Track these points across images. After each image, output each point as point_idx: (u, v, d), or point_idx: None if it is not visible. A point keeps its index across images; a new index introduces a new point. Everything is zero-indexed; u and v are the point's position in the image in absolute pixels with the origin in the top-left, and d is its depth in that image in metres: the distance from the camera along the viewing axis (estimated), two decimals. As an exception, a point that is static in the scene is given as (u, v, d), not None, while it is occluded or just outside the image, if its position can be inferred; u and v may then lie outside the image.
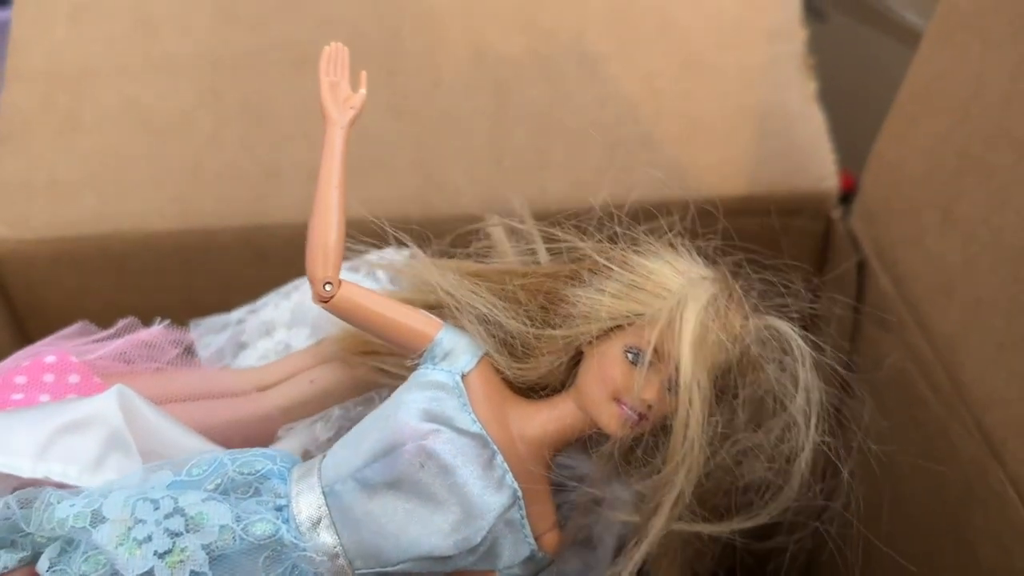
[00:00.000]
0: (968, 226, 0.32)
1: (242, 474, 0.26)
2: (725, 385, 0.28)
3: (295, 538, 0.25)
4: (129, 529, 0.24)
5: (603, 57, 0.42)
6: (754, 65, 0.42)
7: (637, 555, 0.27)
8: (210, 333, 0.36)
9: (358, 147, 0.42)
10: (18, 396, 0.28)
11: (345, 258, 0.28)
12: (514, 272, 0.30)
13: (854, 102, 0.76)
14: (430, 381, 0.27)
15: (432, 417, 0.26)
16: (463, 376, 0.27)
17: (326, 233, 0.27)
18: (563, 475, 0.28)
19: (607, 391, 0.27)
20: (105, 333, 0.31)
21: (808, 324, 0.45)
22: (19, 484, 0.26)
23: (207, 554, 0.24)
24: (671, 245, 0.29)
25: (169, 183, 0.42)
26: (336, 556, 0.26)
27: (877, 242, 0.38)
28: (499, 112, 0.43)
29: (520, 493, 0.26)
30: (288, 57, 0.43)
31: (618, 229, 0.30)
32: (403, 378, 0.28)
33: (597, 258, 0.28)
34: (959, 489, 0.32)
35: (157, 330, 0.32)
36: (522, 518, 0.26)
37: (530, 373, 0.28)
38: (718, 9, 0.42)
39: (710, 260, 0.31)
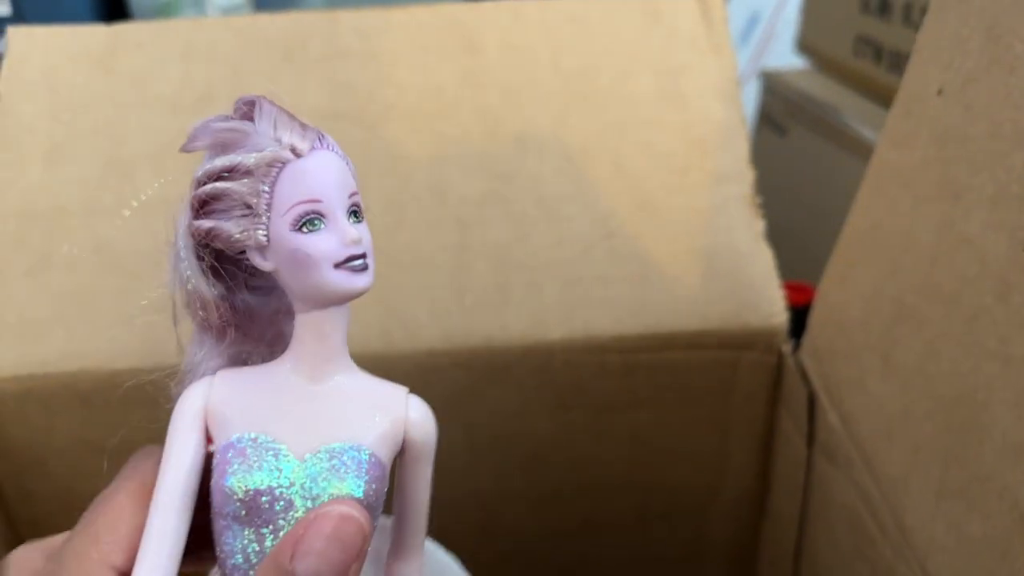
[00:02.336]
0: (905, 373, 0.34)
1: None
2: None
3: None
4: None
5: (560, 199, 0.44)
6: (704, 207, 0.44)
7: None
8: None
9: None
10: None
11: None
12: None
13: (812, 213, 0.79)
14: None
15: None
16: None
17: None
18: None
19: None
20: None
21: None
22: None
23: None
24: None
25: (137, 321, 0.43)
26: None
27: (825, 379, 0.39)
28: (461, 250, 0.44)
29: None
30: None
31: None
32: None
33: None
34: (908, 633, 0.33)
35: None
36: None
37: None
38: (668, 153, 0.45)
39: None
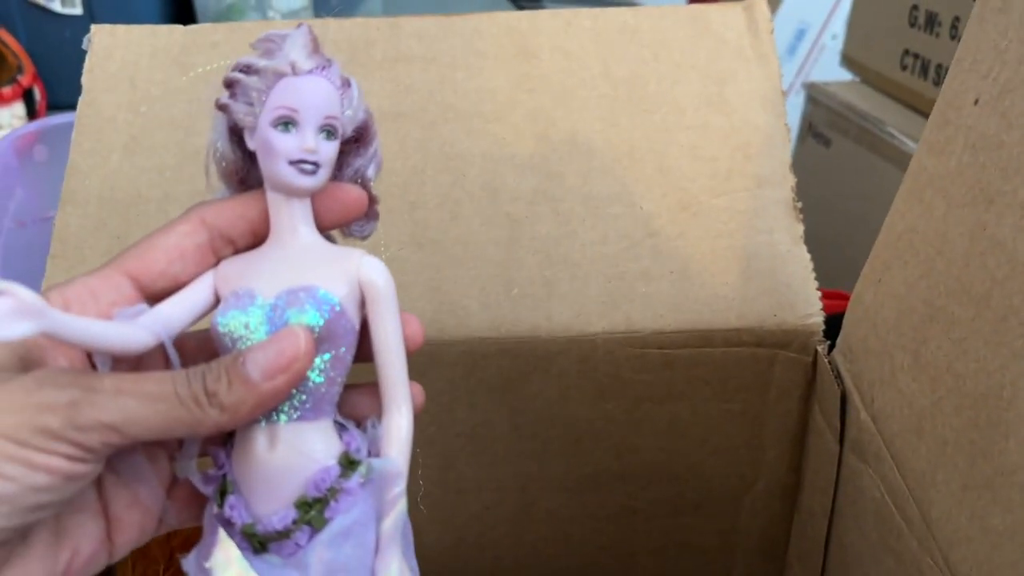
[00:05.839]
0: (934, 371, 0.35)
1: None
2: None
3: None
4: None
5: (606, 198, 0.46)
6: (745, 209, 0.45)
7: None
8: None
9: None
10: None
11: None
12: None
13: (855, 224, 0.80)
14: None
15: None
16: None
17: None
18: None
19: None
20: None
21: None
22: None
23: None
24: None
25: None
26: None
27: (857, 378, 0.41)
28: (510, 244, 0.46)
29: None
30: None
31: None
32: None
33: None
34: (930, 620, 0.34)
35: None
36: None
37: None
38: (712, 157, 0.46)
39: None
